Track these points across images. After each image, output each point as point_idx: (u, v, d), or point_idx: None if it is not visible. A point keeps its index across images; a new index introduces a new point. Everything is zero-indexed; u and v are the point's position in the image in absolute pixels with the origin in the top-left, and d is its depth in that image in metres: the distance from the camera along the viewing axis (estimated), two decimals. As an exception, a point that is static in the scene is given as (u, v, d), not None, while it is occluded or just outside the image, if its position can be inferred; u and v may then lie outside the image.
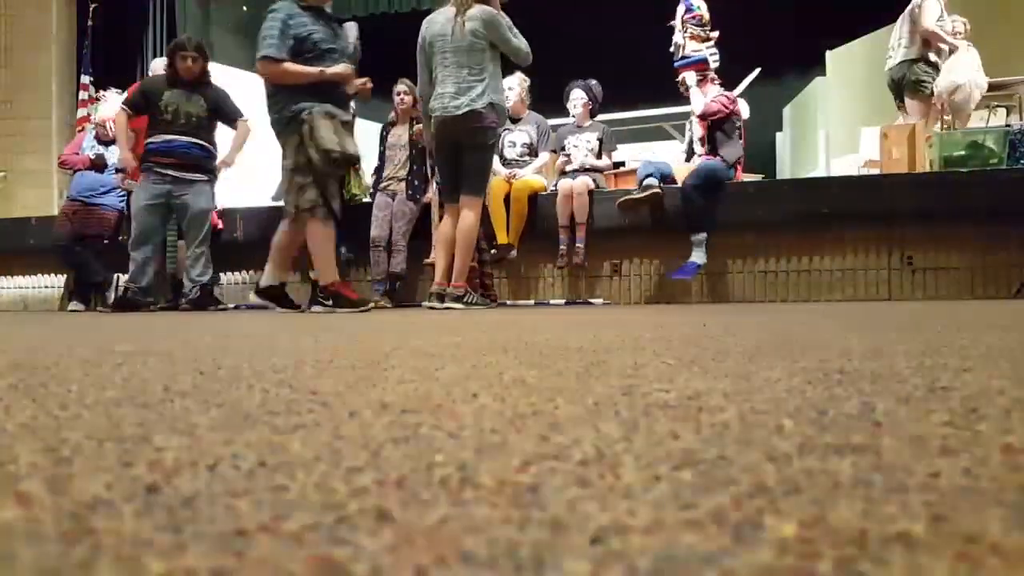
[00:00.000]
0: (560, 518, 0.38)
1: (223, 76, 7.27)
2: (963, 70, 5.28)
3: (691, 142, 5.20)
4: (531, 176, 5.28)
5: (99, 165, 5.61)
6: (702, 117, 4.94)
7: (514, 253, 5.12)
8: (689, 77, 5.01)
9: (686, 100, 5.19)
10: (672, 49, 5.22)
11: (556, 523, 0.37)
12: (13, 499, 0.42)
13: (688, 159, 5.17)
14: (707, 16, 5.19)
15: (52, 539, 0.35)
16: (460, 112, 4.20)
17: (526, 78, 5.50)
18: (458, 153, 4.31)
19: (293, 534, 0.36)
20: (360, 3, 9.52)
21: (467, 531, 0.36)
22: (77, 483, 0.46)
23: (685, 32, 5.13)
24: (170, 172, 4.84)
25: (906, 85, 5.51)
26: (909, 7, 5.49)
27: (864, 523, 0.36)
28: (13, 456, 0.54)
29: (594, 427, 0.62)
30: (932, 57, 5.41)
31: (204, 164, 4.96)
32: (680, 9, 5.23)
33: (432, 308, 4.29)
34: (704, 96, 4.95)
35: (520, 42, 4.29)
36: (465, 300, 4.37)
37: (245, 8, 10.10)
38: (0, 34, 8.20)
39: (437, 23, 4.29)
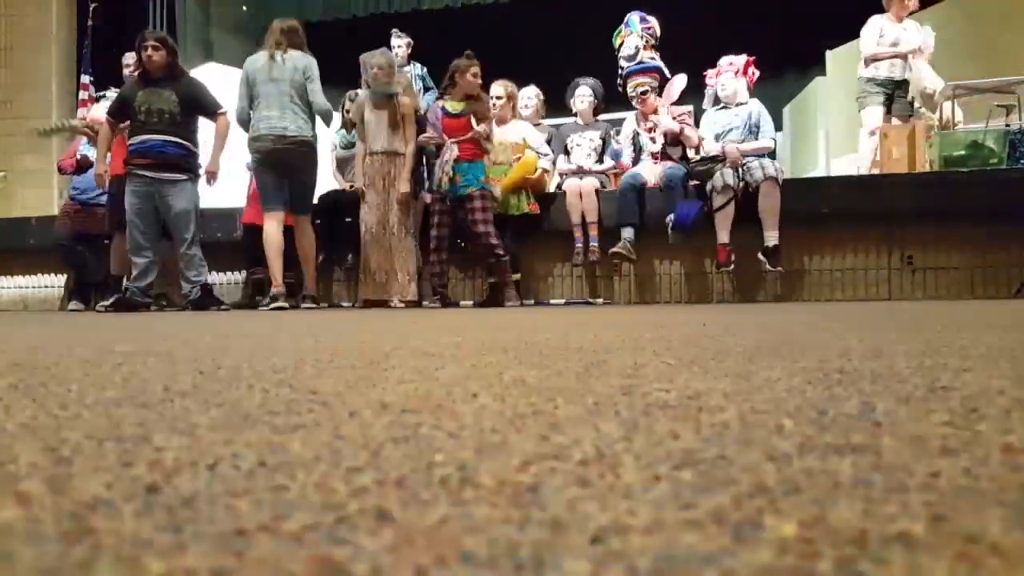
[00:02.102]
0: (560, 518, 0.38)
1: (223, 76, 7.28)
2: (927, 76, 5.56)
3: (638, 147, 5.27)
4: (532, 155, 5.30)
5: (84, 166, 5.58)
6: (693, 147, 5.17)
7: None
8: (663, 113, 5.15)
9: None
10: (625, 55, 5.25)
11: (556, 523, 0.37)
12: (13, 499, 0.42)
13: (635, 162, 5.25)
14: (659, 32, 5.31)
15: (52, 539, 0.35)
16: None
17: (540, 92, 5.56)
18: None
19: (293, 534, 0.36)
20: (360, 3, 9.53)
21: (467, 531, 0.36)
22: (77, 483, 0.46)
23: (643, 39, 5.20)
24: (147, 173, 4.77)
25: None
26: None
27: (864, 523, 0.36)
28: (13, 456, 0.54)
29: (594, 427, 0.62)
30: (867, 73, 5.72)
31: (182, 162, 4.85)
32: (635, 18, 5.28)
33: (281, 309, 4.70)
34: (663, 111, 5.14)
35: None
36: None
37: (245, 8, 10.10)
38: (0, 34, 8.20)
39: (259, 61, 4.92)
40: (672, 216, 4.85)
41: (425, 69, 6.68)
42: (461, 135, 4.87)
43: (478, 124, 4.86)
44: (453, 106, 4.95)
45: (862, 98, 5.75)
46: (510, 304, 4.92)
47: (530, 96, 5.54)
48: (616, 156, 5.32)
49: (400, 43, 6.55)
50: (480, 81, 4.96)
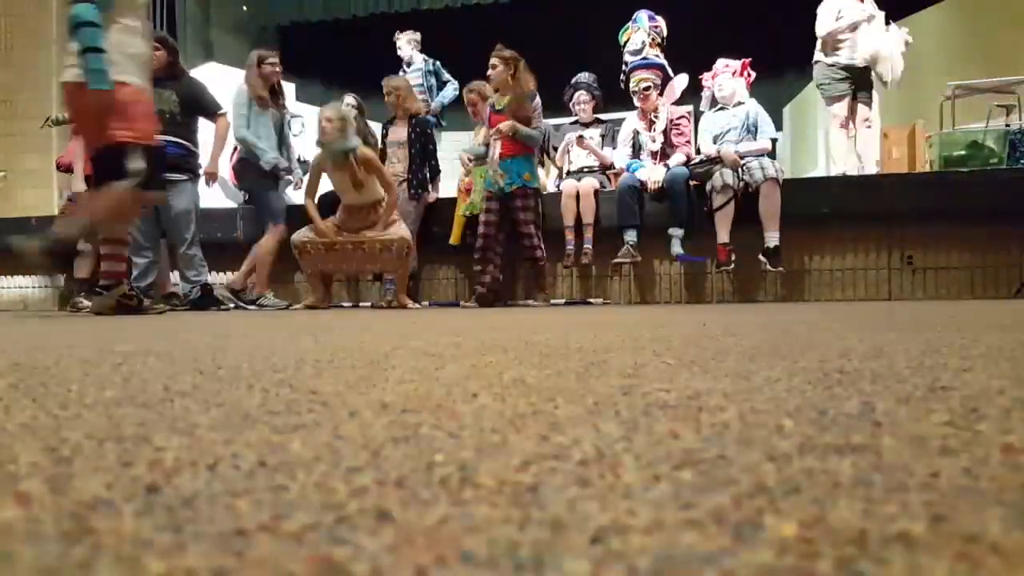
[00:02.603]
0: (560, 518, 0.38)
1: (223, 76, 7.27)
2: (876, 40, 5.20)
3: (638, 146, 5.26)
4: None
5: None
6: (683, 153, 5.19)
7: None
8: (663, 110, 5.16)
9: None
10: (630, 50, 5.27)
11: (556, 523, 0.37)
12: (13, 499, 0.42)
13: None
14: (665, 31, 5.31)
15: (52, 539, 0.35)
16: None
17: None
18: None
19: (293, 534, 0.36)
20: (360, 3, 9.53)
21: (467, 531, 0.36)
22: (77, 483, 0.46)
23: (649, 36, 5.22)
24: None
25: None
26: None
27: (864, 523, 0.36)
28: (13, 456, 0.54)
29: (594, 427, 0.62)
30: (828, 59, 5.37)
31: (182, 163, 4.83)
32: (643, 15, 5.31)
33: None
34: (663, 110, 5.15)
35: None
36: (259, 302, 5.11)
37: (245, 8, 10.11)
38: (0, 34, 8.20)
39: None
40: (675, 240, 4.88)
41: (438, 63, 6.54)
42: None
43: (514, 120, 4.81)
44: (499, 101, 4.93)
45: (825, 85, 5.40)
46: (536, 305, 4.89)
47: None
48: (634, 170, 5.28)
49: (401, 42, 6.48)
50: (510, 72, 4.80)
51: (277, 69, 5.19)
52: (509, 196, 4.88)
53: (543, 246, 4.94)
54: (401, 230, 4.79)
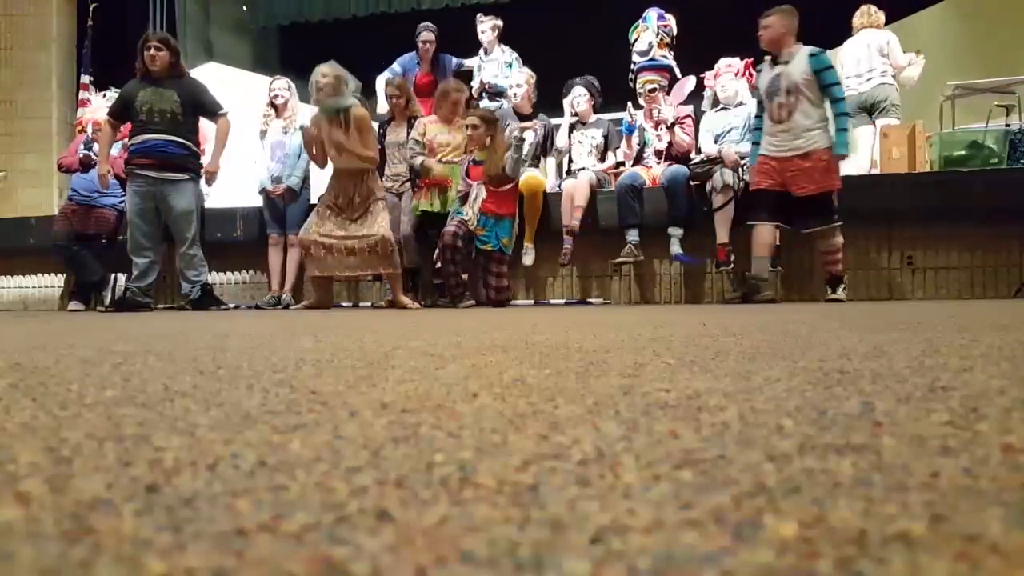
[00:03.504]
0: (560, 518, 0.38)
1: (223, 75, 7.28)
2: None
3: (643, 143, 5.22)
4: (533, 172, 5.28)
5: (87, 165, 5.57)
6: (685, 151, 5.19)
7: (530, 258, 5.13)
8: (667, 111, 5.14)
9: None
10: (639, 50, 5.26)
11: (556, 523, 0.37)
12: (13, 499, 0.42)
13: (636, 163, 5.21)
14: (675, 30, 5.32)
15: (52, 539, 0.35)
16: None
17: (532, 74, 5.49)
18: None
19: (293, 534, 0.36)
20: (360, 3, 9.53)
21: (467, 531, 0.36)
22: (77, 483, 0.46)
23: (657, 36, 5.21)
24: (149, 173, 4.76)
25: (887, 108, 5.71)
26: (879, 43, 5.74)
27: (864, 523, 0.36)
28: (13, 456, 0.54)
29: (594, 427, 0.62)
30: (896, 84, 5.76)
31: (184, 162, 4.83)
32: (652, 14, 5.30)
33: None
34: (669, 110, 5.13)
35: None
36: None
37: (245, 8, 10.11)
38: (0, 34, 8.20)
39: None
40: (674, 240, 4.90)
41: (515, 55, 6.03)
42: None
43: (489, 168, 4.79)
44: (477, 154, 4.86)
45: (899, 106, 5.71)
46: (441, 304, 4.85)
47: (519, 83, 5.42)
48: (630, 131, 5.22)
49: (484, 27, 6.15)
50: (490, 133, 4.77)
51: (279, 93, 5.56)
52: (484, 252, 4.85)
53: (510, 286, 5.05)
54: (383, 229, 4.73)
